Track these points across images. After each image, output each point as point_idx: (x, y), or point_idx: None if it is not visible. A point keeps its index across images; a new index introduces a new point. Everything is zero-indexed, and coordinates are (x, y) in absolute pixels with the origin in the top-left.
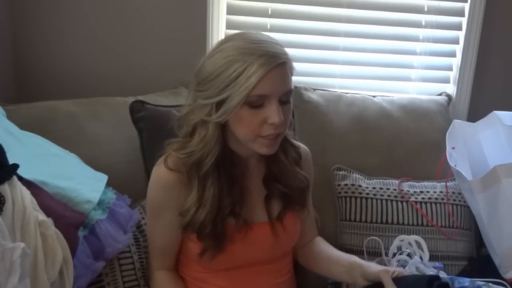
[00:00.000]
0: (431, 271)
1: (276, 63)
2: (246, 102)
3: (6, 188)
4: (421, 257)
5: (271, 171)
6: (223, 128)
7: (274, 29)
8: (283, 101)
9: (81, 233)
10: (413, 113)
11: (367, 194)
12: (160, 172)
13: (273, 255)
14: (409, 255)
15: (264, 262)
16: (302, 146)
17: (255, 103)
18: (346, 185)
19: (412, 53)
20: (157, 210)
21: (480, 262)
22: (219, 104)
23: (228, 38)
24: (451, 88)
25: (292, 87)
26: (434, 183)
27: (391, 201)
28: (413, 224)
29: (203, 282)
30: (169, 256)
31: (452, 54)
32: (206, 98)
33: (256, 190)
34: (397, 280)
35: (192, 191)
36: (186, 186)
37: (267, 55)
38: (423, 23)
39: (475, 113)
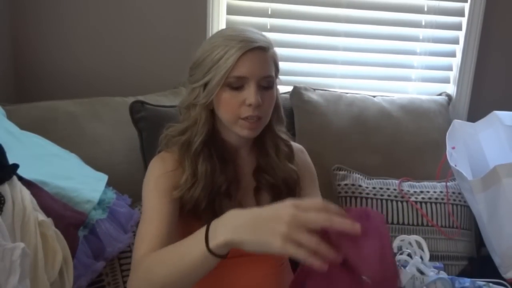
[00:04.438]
0: (431, 271)
1: (253, 46)
2: (226, 84)
3: (6, 188)
4: (421, 257)
5: (260, 164)
6: (212, 114)
7: (274, 29)
8: (264, 86)
9: (81, 233)
10: (413, 113)
11: (367, 194)
12: (158, 155)
13: None
14: (409, 255)
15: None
16: (295, 144)
17: (234, 84)
18: (346, 185)
19: (412, 53)
20: (161, 185)
21: (480, 262)
22: (204, 87)
23: (219, 30)
24: (451, 88)
25: (273, 74)
26: (434, 183)
27: (391, 201)
28: (413, 224)
29: None
30: (166, 241)
31: (452, 54)
32: (195, 82)
33: (247, 182)
34: None
35: (186, 171)
36: (182, 166)
37: (246, 40)
38: (423, 23)
39: (475, 113)
